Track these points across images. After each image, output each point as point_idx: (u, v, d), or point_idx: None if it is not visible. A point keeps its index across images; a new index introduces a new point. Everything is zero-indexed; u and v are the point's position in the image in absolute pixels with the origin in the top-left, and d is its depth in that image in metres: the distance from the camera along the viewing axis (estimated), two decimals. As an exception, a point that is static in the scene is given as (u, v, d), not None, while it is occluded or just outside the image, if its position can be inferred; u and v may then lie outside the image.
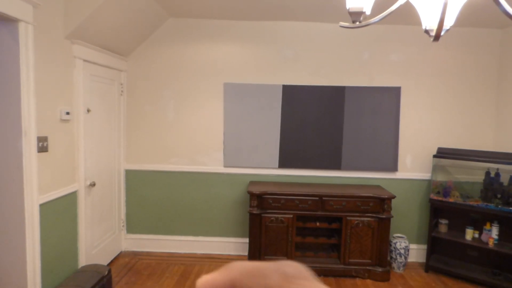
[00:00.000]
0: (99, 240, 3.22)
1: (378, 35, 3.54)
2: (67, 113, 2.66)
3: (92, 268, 2.81)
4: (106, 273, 2.77)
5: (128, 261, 3.52)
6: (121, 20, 2.96)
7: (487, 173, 3.26)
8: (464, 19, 3.25)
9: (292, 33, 3.57)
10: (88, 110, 2.96)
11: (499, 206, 3.11)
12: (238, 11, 3.30)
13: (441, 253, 3.58)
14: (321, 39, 3.56)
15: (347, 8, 1.29)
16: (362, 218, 3.24)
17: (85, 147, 2.92)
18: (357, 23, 1.34)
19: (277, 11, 3.26)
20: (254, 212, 3.23)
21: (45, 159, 2.45)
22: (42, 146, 2.41)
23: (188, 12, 3.40)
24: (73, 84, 2.76)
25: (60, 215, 2.65)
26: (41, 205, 2.40)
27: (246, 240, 3.55)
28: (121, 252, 3.71)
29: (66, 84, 2.68)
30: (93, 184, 3.02)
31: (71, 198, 2.78)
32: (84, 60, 2.85)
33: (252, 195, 3.23)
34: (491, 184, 3.22)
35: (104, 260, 3.32)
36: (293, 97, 3.58)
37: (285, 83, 3.58)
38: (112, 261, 3.49)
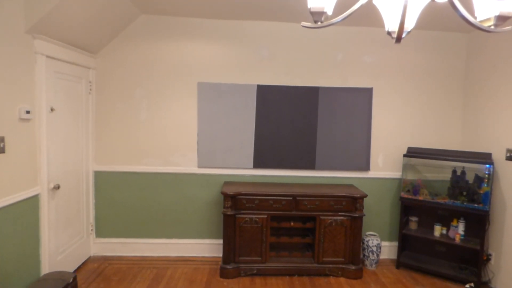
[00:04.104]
0: (65, 245, 3.07)
1: (351, 36, 3.60)
2: (28, 112, 2.51)
3: (55, 276, 2.67)
4: (71, 280, 2.64)
5: (97, 267, 3.38)
6: (88, 14, 2.83)
7: (454, 172, 3.38)
8: (432, 23, 3.36)
9: (267, 33, 3.55)
10: (52, 109, 2.81)
11: (465, 203, 3.23)
12: (212, 10, 3.25)
13: (412, 250, 3.68)
14: (296, 40, 3.57)
15: (308, 7, 1.28)
16: (335, 217, 3.27)
17: (48, 148, 2.77)
18: (319, 23, 1.33)
19: (252, 10, 3.23)
20: (228, 213, 3.19)
21: (2, 161, 2.30)
22: (-1, 147, 2.26)
23: (161, 9, 3.31)
24: (35, 81, 2.61)
25: (20, 220, 2.50)
26: (-2, 210, 2.26)
27: (221, 241, 3.50)
28: (89, 257, 3.56)
29: (26, 81, 2.53)
30: (57, 187, 2.87)
31: (32, 202, 2.63)
32: (47, 56, 2.70)
33: (226, 196, 3.19)
34: (457, 182, 3.34)
35: (70, 266, 3.17)
36: (268, 97, 3.57)
37: (260, 83, 3.56)
38: (79, 267, 3.34)
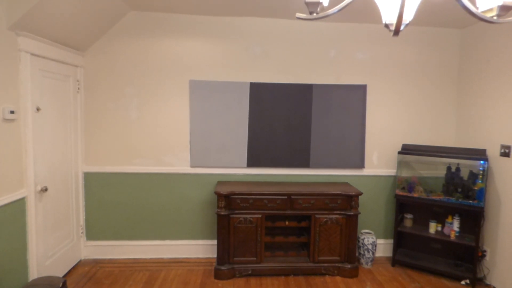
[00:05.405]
0: (54, 249, 2.98)
1: (344, 33, 3.56)
2: (12, 112, 2.42)
3: (44, 281, 2.57)
4: (61, 285, 2.55)
5: (88, 270, 3.30)
6: (74, 10, 2.73)
7: (448, 168, 3.36)
8: (426, 18, 3.34)
9: (260, 29, 3.49)
10: (38, 109, 2.71)
11: (460, 200, 3.22)
12: (204, 6, 3.18)
13: (407, 247, 3.66)
14: (289, 36, 3.52)
15: None
16: (331, 216, 3.24)
17: (35, 149, 2.67)
18: (314, 14, 1.28)
19: (245, 6, 3.16)
20: (222, 213, 3.13)
21: (-14, 163, 2.21)
22: (-18, 148, 2.17)
23: (151, 6, 3.22)
24: (19, 80, 2.52)
25: (5, 225, 2.40)
26: (-18, 214, 2.17)
27: (215, 242, 3.45)
28: (80, 261, 3.47)
29: (9, 80, 2.43)
30: (45, 189, 2.78)
31: (18, 206, 2.53)
32: (32, 54, 2.60)
33: (219, 196, 3.13)
34: (452, 178, 3.33)
35: (60, 271, 3.08)
36: (261, 95, 3.51)
37: (253, 81, 3.50)
38: (69, 271, 3.25)
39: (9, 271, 2.45)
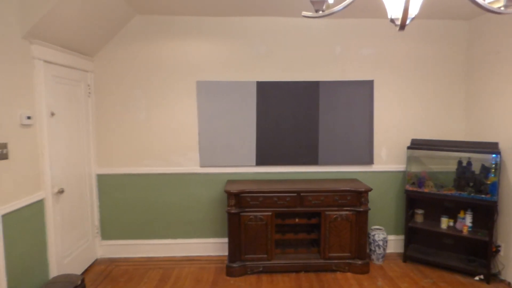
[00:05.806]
0: (71, 248, 3.09)
1: (350, 29, 3.54)
2: (28, 118, 2.52)
3: (63, 279, 2.70)
4: (79, 282, 2.67)
5: (104, 268, 3.40)
6: (83, 17, 2.82)
7: (459, 162, 3.32)
8: (432, 11, 3.30)
9: (265, 28, 3.52)
10: (52, 114, 2.81)
11: (472, 194, 3.18)
12: (208, 7, 3.22)
13: (418, 243, 3.64)
14: (294, 34, 3.53)
15: None
16: (340, 212, 3.25)
17: (51, 153, 2.78)
18: (320, 12, 1.30)
19: (250, 6, 3.19)
20: (233, 211, 3.18)
21: (6, 167, 2.31)
22: (2, 153, 2.28)
23: (156, 9, 3.29)
24: (34, 86, 2.62)
25: (26, 225, 2.52)
26: (4, 216, 2.27)
27: (226, 240, 3.50)
28: (96, 260, 3.58)
29: (25, 87, 2.53)
30: (61, 191, 2.89)
31: (37, 207, 2.64)
32: (45, 61, 2.70)
33: (229, 194, 3.18)
34: (463, 173, 3.29)
35: (78, 269, 3.20)
36: (268, 93, 3.54)
37: (259, 80, 3.53)
38: (86, 270, 3.37)
39: (31, 268, 2.57)
